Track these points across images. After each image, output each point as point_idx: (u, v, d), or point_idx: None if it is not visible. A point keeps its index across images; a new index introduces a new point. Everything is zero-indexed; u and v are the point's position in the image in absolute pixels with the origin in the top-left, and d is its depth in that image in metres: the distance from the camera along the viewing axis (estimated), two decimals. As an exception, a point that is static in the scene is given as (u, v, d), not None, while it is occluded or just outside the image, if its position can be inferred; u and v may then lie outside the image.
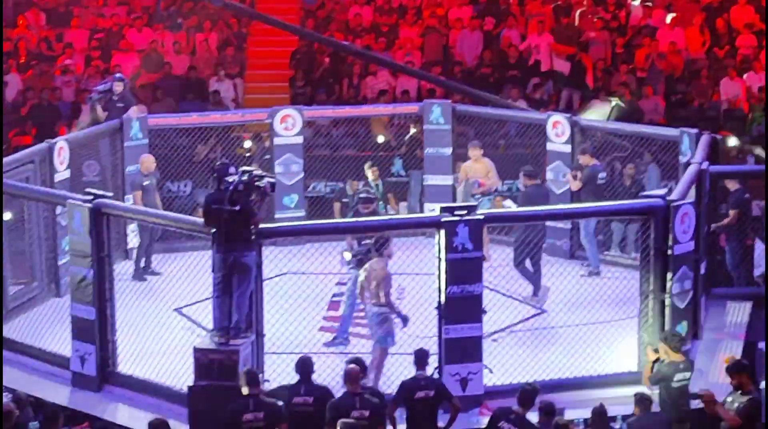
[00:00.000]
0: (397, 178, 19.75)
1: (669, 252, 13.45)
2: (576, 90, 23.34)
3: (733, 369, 11.85)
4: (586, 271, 17.27)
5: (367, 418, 11.40)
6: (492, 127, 19.07)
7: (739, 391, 11.72)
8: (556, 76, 23.76)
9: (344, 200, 18.17)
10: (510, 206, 17.21)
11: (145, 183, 17.22)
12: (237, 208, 12.27)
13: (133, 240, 17.44)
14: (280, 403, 11.54)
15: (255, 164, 18.73)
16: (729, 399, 11.80)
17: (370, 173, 18.28)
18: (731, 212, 16.51)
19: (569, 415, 12.45)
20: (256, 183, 12.44)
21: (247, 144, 19.67)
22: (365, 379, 12.23)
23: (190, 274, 14.30)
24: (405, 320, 13.68)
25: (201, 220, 12.80)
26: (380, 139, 20.04)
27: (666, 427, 11.97)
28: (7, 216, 15.43)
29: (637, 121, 20.19)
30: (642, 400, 11.91)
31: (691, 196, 14.31)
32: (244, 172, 12.50)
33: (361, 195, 15.35)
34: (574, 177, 17.43)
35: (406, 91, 23.19)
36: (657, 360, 12.66)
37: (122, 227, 17.18)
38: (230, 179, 12.41)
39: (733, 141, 18.38)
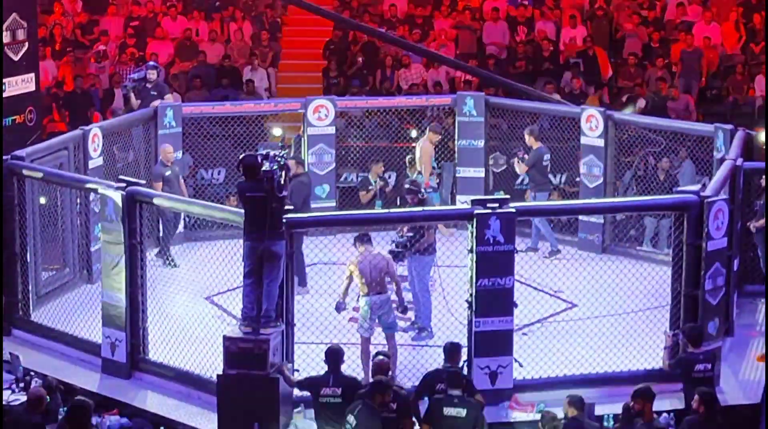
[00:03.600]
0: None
1: (702, 248, 13.37)
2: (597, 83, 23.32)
3: (639, 394, 11.45)
4: (547, 253, 17.58)
5: (394, 411, 11.38)
6: (525, 119, 19.00)
7: (641, 420, 11.40)
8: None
9: (369, 188, 18.23)
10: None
11: (166, 173, 17.17)
12: (284, 193, 12.16)
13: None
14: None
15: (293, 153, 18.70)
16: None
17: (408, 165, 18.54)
18: None
19: (599, 410, 12.39)
20: (280, 161, 12.20)
21: (277, 132, 19.58)
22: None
23: (221, 263, 14.29)
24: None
25: (234, 208, 12.74)
26: (413, 134, 20.00)
27: None
28: (42, 200, 15.50)
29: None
30: (708, 400, 11.37)
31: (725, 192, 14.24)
32: (270, 157, 12.27)
33: (405, 186, 15.48)
34: (521, 160, 17.90)
35: (438, 83, 23.14)
36: None
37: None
38: (266, 168, 12.13)
39: (762, 136, 18.21)
